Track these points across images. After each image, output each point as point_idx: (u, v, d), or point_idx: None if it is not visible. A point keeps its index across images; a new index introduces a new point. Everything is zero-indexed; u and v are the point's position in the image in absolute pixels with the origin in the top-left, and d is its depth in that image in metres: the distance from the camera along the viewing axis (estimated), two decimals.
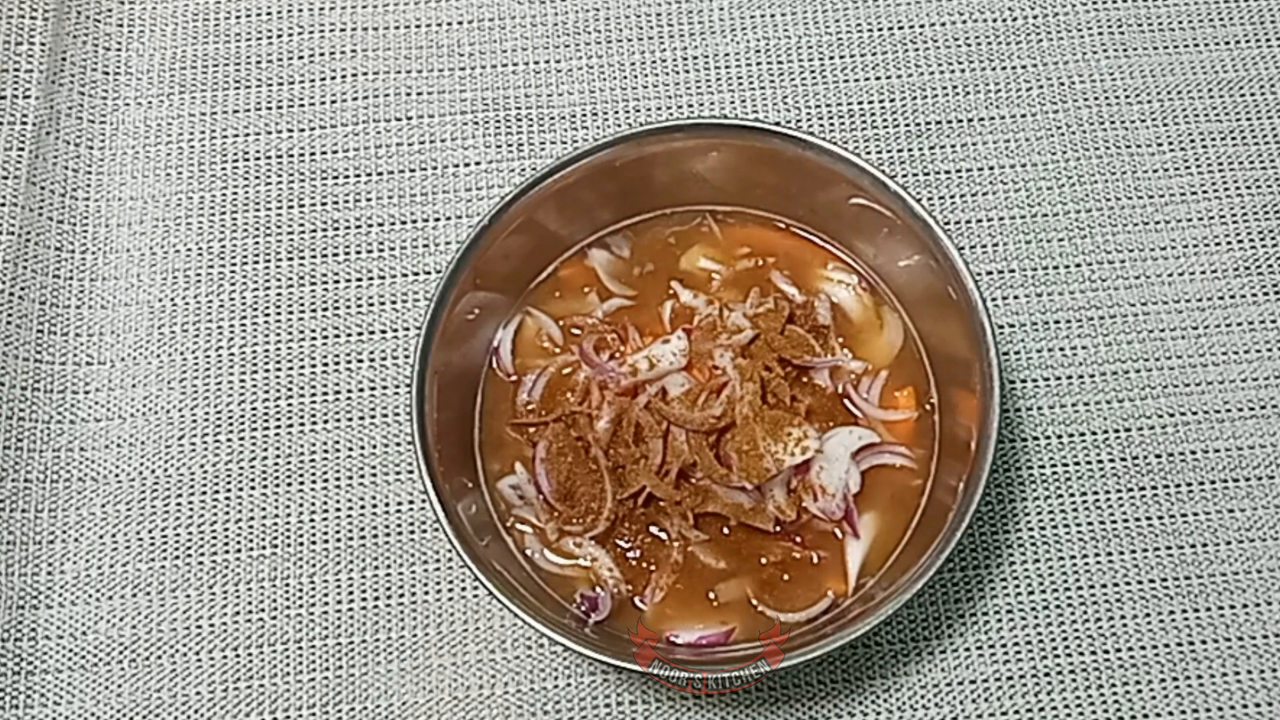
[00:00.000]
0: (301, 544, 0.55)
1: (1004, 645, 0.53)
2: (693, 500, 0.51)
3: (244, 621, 0.54)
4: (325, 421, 0.56)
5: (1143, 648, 0.52)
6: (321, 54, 0.63)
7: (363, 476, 0.56)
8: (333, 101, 0.62)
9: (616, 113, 0.62)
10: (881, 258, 0.54)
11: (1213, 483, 0.55)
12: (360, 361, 0.57)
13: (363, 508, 0.55)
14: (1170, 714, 0.51)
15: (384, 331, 0.58)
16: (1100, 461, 0.55)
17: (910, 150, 0.60)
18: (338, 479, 0.56)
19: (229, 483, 0.56)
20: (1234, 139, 0.60)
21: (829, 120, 0.61)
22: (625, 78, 0.62)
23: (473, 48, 0.63)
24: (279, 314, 0.58)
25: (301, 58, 0.63)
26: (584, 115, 0.62)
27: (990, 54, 0.62)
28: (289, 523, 0.55)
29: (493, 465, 0.53)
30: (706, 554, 0.51)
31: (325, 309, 0.58)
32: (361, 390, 0.57)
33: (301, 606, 0.54)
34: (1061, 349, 0.57)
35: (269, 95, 0.62)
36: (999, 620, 0.53)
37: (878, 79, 0.62)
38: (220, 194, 0.60)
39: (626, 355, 0.53)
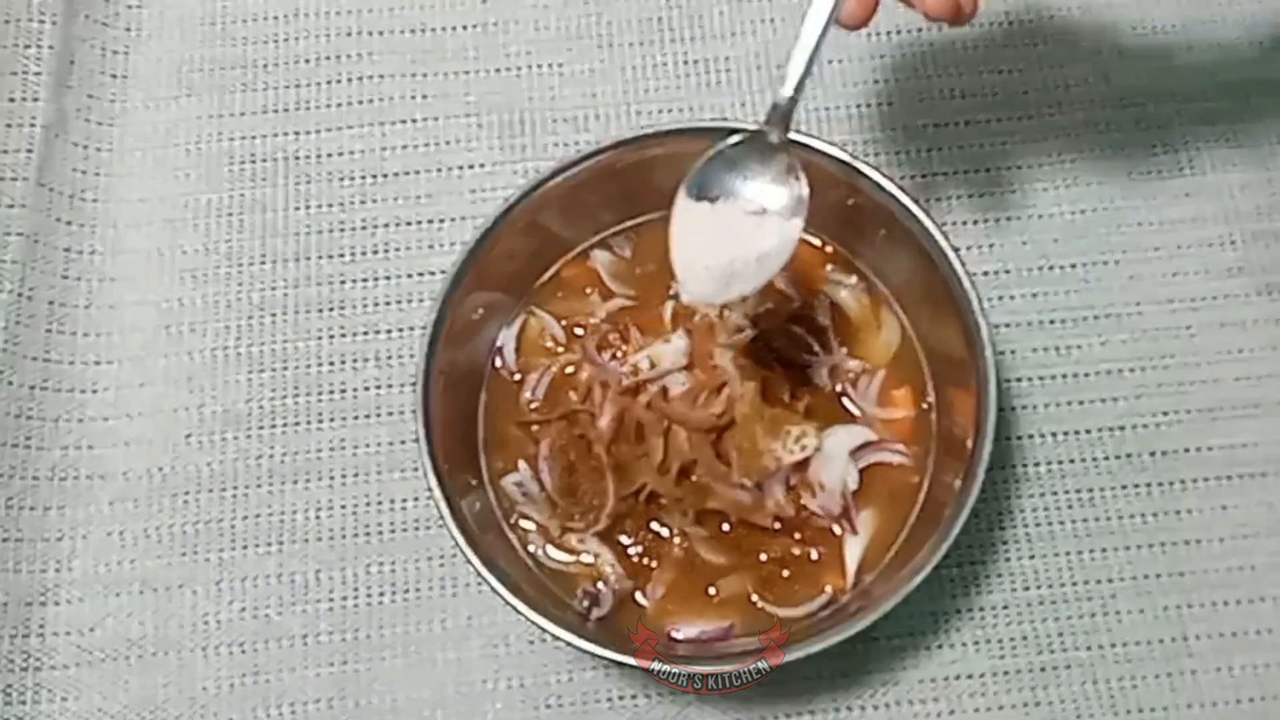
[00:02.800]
0: (308, 540, 0.55)
1: (1000, 640, 0.53)
2: (693, 497, 0.51)
3: (250, 618, 0.54)
4: (331, 420, 0.57)
5: (1137, 642, 0.53)
6: (328, 58, 0.63)
7: (368, 474, 0.56)
8: (339, 105, 0.62)
9: (618, 116, 0.62)
10: (880, 258, 0.55)
11: (1206, 480, 0.55)
12: (366, 360, 0.58)
13: (368, 505, 0.56)
14: (1164, 708, 0.52)
15: (389, 331, 0.58)
16: (1095, 459, 0.56)
17: (908, 152, 0.61)
18: (343, 476, 0.56)
19: (236, 480, 0.56)
20: (1229, 140, 0.61)
21: (828, 122, 0.62)
22: (627, 81, 0.63)
23: (478, 52, 0.64)
24: (286, 314, 0.59)
25: (308, 61, 0.63)
26: (586, 118, 0.62)
27: (988, 56, 0.63)
28: (295, 519, 0.55)
29: (496, 463, 0.53)
30: (707, 550, 0.51)
31: (331, 309, 0.59)
32: (367, 389, 0.58)
33: (308, 602, 0.54)
34: (1057, 348, 0.58)
35: (276, 98, 0.63)
36: (996, 616, 0.53)
37: (876, 82, 0.62)
38: (227, 196, 0.61)
39: (628, 355, 0.53)
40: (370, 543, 0.55)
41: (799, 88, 0.46)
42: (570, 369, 0.54)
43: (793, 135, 0.50)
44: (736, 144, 0.48)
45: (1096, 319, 0.58)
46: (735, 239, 0.47)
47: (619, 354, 0.54)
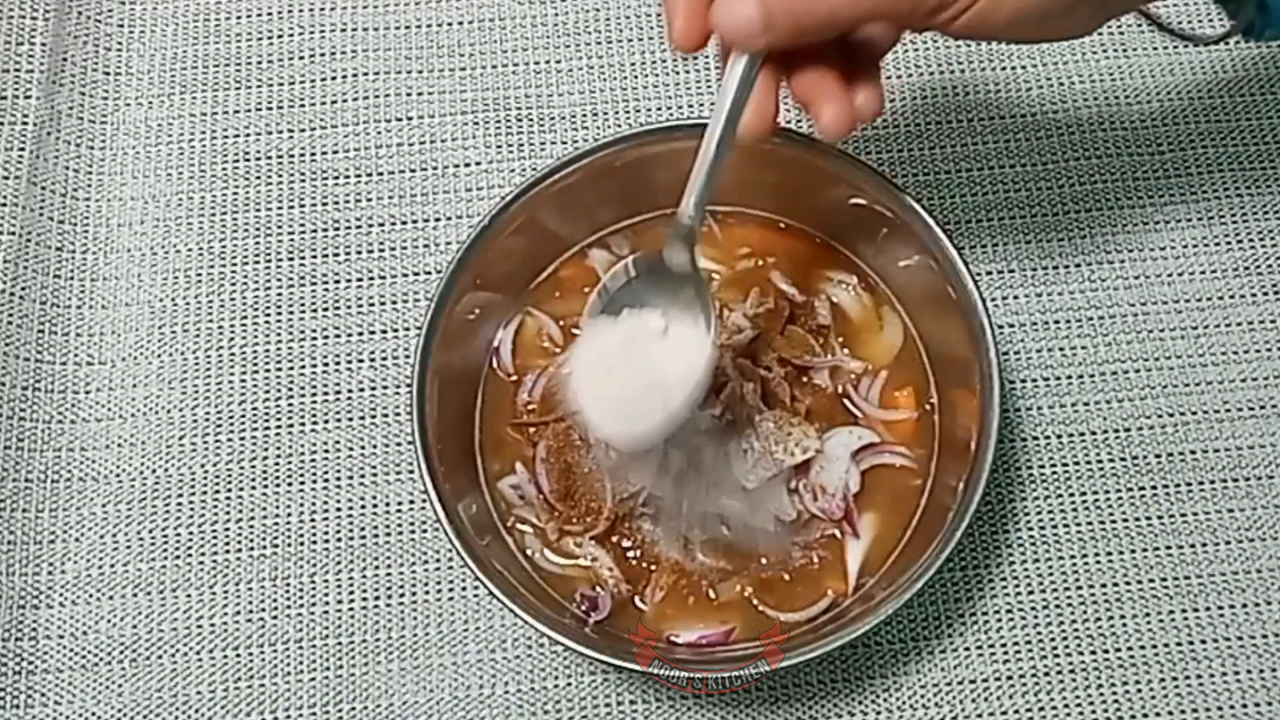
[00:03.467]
0: (302, 544, 0.55)
1: (1004, 645, 0.53)
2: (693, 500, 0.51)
3: (244, 621, 0.54)
4: (326, 421, 0.57)
5: (1142, 647, 0.52)
6: (322, 54, 0.63)
7: (363, 476, 0.56)
8: (333, 102, 0.62)
9: (617, 113, 0.62)
10: (881, 258, 0.54)
11: (1212, 482, 0.55)
12: (361, 361, 0.58)
13: (363, 507, 0.55)
14: (1170, 713, 0.51)
15: (384, 331, 0.58)
16: (1100, 461, 0.55)
17: (910, 150, 0.61)
18: (338, 479, 0.56)
19: (229, 482, 0.56)
20: (1234, 139, 0.60)
21: None
22: (625, 78, 0.62)
23: (473, 48, 0.63)
24: (279, 314, 0.58)
25: (302, 58, 0.63)
26: (584, 115, 0.62)
27: (990, 54, 0.62)
28: (289, 522, 0.55)
29: (493, 465, 0.53)
30: (707, 554, 0.51)
31: (326, 309, 0.58)
32: (362, 390, 0.57)
33: (302, 606, 0.54)
34: (1061, 349, 0.57)
35: (270, 95, 0.62)
36: (999, 620, 0.53)
37: None
38: (221, 194, 0.60)
39: None
40: (366, 546, 0.55)
41: (700, 208, 0.43)
42: (568, 370, 0.54)
43: (796, 134, 0.49)
44: (639, 268, 0.45)
45: (1101, 319, 0.57)
46: (639, 369, 0.45)
47: None
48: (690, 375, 0.44)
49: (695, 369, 0.44)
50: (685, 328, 0.45)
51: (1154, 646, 0.52)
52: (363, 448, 0.56)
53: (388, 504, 0.55)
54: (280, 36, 0.63)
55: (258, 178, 0.61)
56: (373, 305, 0.58)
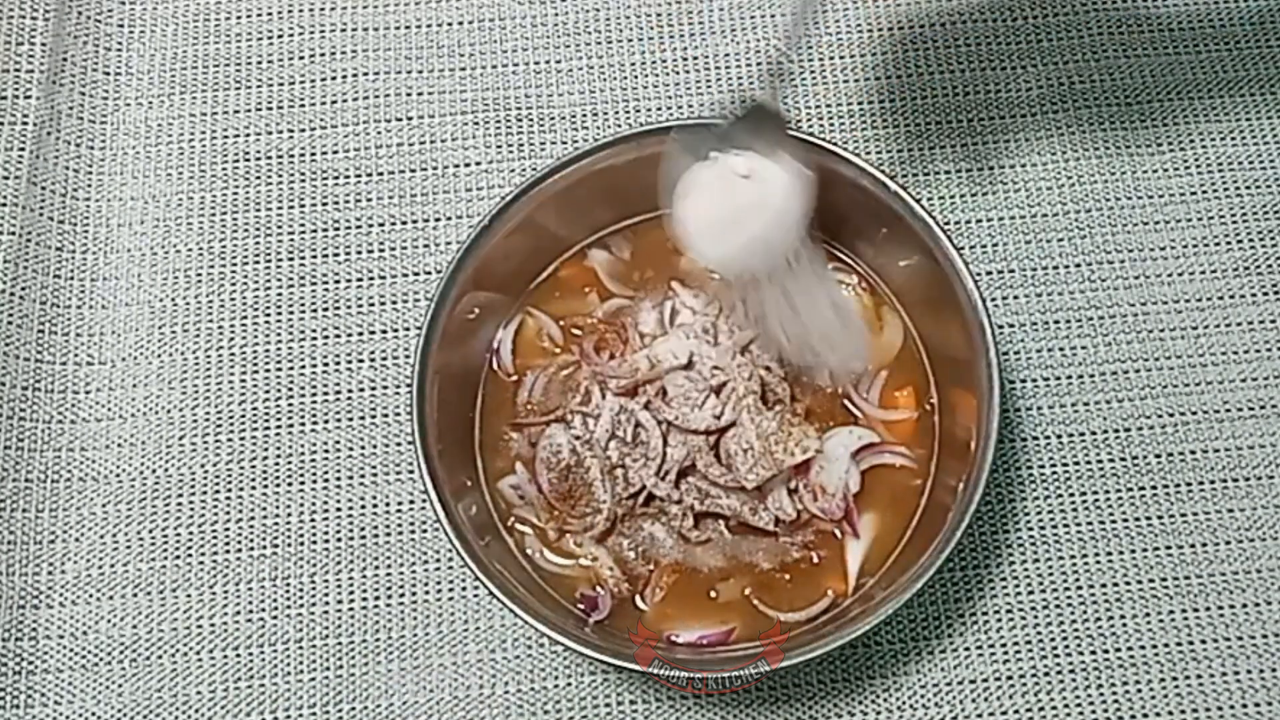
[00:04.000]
0: (302, 544, 0.55)
1: (1004, 645, 0.53)
2: (692, 500, 0.51)
3: (244, 621, 0.54)
4: (326, 421, 0.57)
5: (1142, 647, 0.52)
6: (322, 54, 0.63)
7: (363, 476, 0.56)
8: (333, 102, 0.62)
9: (617, 113, 0.62)
10: (881, 258, 0.54)
11: (1212, 482, 0.55)
12: (361, 361, 0.58)
13: (363, 507, 0.55)
14: (1170, 713, 0.51)
15: (384, 331, 0.58)
16: (1100, 461, 0.55)
17: (910, 150, 0.61)
18: (338, 479, 0.56)
19: (229, 482, 0.56)
20: (1234, 139, 0.60)
21: (829, 120, 0.61)
22: (625, 78, 0.62)
23: (473, 48, 0.63)
24: (279, 314, 0.58)
25: (302, 58, 0.63)
26: (584, 115, 0.62)
27: (990, 54, 0.62)
28: (289, 522, 0.55)
29: (493, 465, 0.53)
30: (706, 554, 0.51)
31: (326, 309, 0.58)
32: (362, 390, 0.57)
33: (302, 606, 0.54)
34: (1061, 349, 0.57)
35: (270, 95, 0.62)
36: (999, 620, 0.53)
37: (878, 79, 0.62)
38: (221, 194, 0.60)
39: (626, 355, 0.53)
40: (366, 546, 0.55)
41: (794, 46, 0.47)
42: (568, 370, 0.54)
43: (796, 134, 0.49)
44: (737, 108, 0.48)
45: (1101, 319, 0.57)
46: (739, 195, 0.47)
47: (617, 354, 0.53)
48: (789, 201, 0.47)
49: (792, 196, 0.47)
50: (778, 162, 0.48)
51: (1154, 646, 0.52)
52: (363, 448, 0.56)
53: (388, 504, 0.55)
54: (280, 36, 0.63)
55: (258, 178, 0.61)
56: (373, 305, 0.58)
